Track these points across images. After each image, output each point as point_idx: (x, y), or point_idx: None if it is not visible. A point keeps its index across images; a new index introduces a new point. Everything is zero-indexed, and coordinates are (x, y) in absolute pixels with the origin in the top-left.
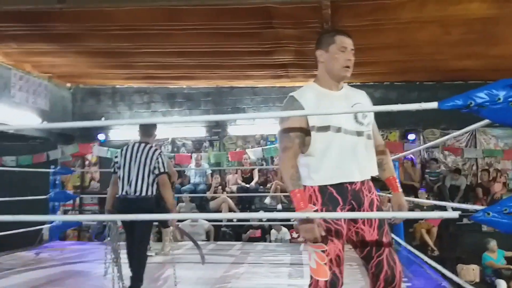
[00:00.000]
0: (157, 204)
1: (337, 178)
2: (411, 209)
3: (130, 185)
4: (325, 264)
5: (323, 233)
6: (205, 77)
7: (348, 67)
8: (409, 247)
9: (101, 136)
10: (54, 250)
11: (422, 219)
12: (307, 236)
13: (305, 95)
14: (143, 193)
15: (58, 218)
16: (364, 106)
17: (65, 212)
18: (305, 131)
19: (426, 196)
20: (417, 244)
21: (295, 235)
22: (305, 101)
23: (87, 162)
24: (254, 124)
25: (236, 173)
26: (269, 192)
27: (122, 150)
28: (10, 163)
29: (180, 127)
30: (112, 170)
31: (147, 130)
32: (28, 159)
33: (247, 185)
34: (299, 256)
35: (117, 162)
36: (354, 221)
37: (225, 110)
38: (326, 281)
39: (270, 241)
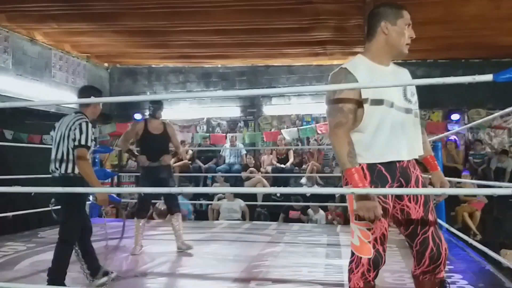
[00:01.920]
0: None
1: (387, 156)
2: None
3: (54, 161)
4: (369, 242)
5: (382, 212)
6: (241, 56)
7: (408, 44)
8: (452, 229)
9: (137, 116)
10: (95, 226)
11: (465, 202)
12: (368, 215)
13: (358, 68)
14: (63, 171)
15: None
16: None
17: None
18: (358, 105)
19: (470, 178)
20: (459, 228)
21: (331, 217)
22: (358, 74)
23: None
24: (290, 104)
25: (271, 153)
26: (304, 173)
27: (56, 123)
28: (50, 141)
29: (215, 107)
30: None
31: (82, 97)
32: None
33: (282, 166)
34: (336, 237)
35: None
36: (400, 198)
37: (260, 89)
38: (369, 259)
39: (307, 222)
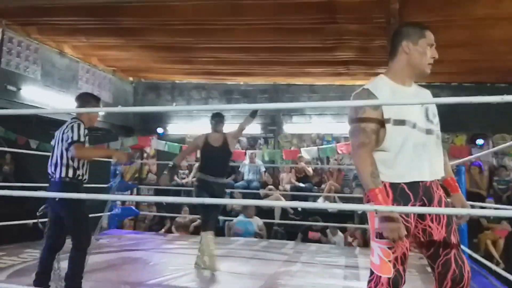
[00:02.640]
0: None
1: (410, 176)
2: (476, 218)
3: (50, 166)
4: (390, 261)
5: (406, 233)
6: (263, 74)
7: (431, 64)
8: (475, 255)
9: (159, 130)
10: (112, 237)
11: (488, 229)
12: (393, 236)
13: (380, 88)
14: (58, 175)
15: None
16: (433, 106)
17: (123, 203)
18: (380, 125)
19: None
20: (482, 256)
21: (350, 239)
22: (380, 94)
23: (145, 155)
24: (311, 123)
25: (290, 171)
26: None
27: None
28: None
29: (236, 124)
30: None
31: (79, 105)
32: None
33: (301, 184)
34: (354, 259)
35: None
36: (422, 218)
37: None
38: (389, 278)
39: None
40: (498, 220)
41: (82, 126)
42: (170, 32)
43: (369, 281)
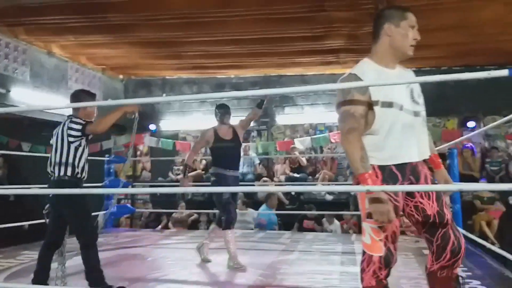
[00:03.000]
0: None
1: (399, 158)
2: (469, 200)
3: (49, 165)
4: (381, 240)
5: (394, 215)
6: (253, 66)
7: (413, 46)
8: (470, 235)
9: (152, 127)
10: (109, 235)
11: (482, 211)
12: (382, 219)
13: (366, 72)
14: (56, 174)
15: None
16: (417, 86)
17: (119, 201)
18: (368, 109)
19: None
20: (477, 236)
21: (346, 226)
22: (366, 78)
23: (138, 152)
24: (303, 113)
25: (285, 162)
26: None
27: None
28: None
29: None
30: None
31: (74, 101)
32: None
33: (296, 175)
34: (351, 246)
35: None
36: (412, 195)
37: (273, 99)
38: (380, 257)
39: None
40: (492, 201)
41: (80, 121)
42: (159, 27)
43: (362, 261)
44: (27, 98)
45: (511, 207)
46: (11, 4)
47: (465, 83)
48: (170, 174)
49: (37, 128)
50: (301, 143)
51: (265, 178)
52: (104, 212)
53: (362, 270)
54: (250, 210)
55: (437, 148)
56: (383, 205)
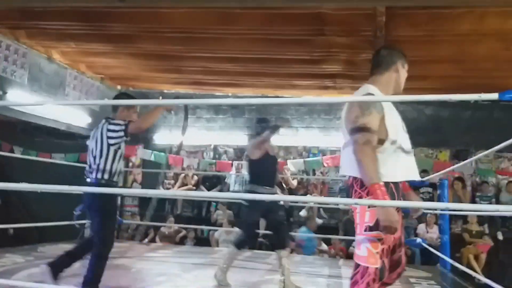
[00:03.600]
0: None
1: (401, 176)
2: (458, 233)
3: (88, 168)
4: (377, 252)
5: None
6: (251, 85)
7: None
8: (459, 266)
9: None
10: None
11: (470, 244)
12: (390, 226)
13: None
14: (94, 176)
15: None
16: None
17: None
18: (379, 129)
19: (476, 221)
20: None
21: (333, 252)
22: (382, 103)
23: (130, 164)
24: (297, 135)
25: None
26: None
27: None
28: (59, 160)
29: (223, 135)
30: None
31: (113, 105)
32: (75, 157)
33: None
34: (337, 270)
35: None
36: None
37: (269, 119)
38: (376, 268)
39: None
40: (480, 235)
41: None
42: (160, 39)
43: (355, 274)
44: (23, 101)
45: (500, 242)
46: (14, 7)
47: (459, 117)
48: (161, 187)
49: (30, 132)
50: (293, 165)
51: None
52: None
53: (355, 283)
54: (237, 229)
55: (428, 177)
56: (394, 214)
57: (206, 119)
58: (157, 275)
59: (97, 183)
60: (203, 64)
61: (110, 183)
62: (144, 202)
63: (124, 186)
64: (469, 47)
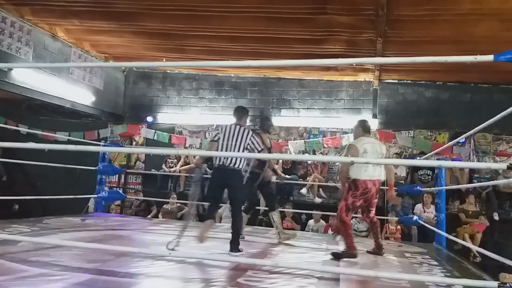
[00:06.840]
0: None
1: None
2: (455, 213)
3: (226, 158)
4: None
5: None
6: (254, 66)
7: None
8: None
9: (149, 119)
10: (99, 219)
11: (466, 224)
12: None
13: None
14: (236, 165)
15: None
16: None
17: (111, 189)
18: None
19: (474, 201)
20: (459, 249)
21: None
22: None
23: (134, 143)
24: (299, 116)
25: (277, 163)
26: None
27: (222, 128)
28: (62, 138)
29: (226, 115)
30: (211, 139)
31: (239, 116)
32: (80, 135)
33: (287, 176)
34: (335, 246)
35: (218, 137)
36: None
37: (271, 100)
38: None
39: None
40: (477, 215)
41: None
42: (163, 17)
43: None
44: (27, 78)
45: (495, 223)
46: None
47: (459, 100)
48: (163, 166)
49: (35, 110)
50: (294, 146)
51: None
52: (95, 196)
53: (340, 211)
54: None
55: (426, 156)
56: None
57: (208, 99)
58: (159, 243)
59: (234, 169)
60: (206, 43)
61: (241, 170)
62: (147, 179)
63: (127, 164)
64: (469, 27)
